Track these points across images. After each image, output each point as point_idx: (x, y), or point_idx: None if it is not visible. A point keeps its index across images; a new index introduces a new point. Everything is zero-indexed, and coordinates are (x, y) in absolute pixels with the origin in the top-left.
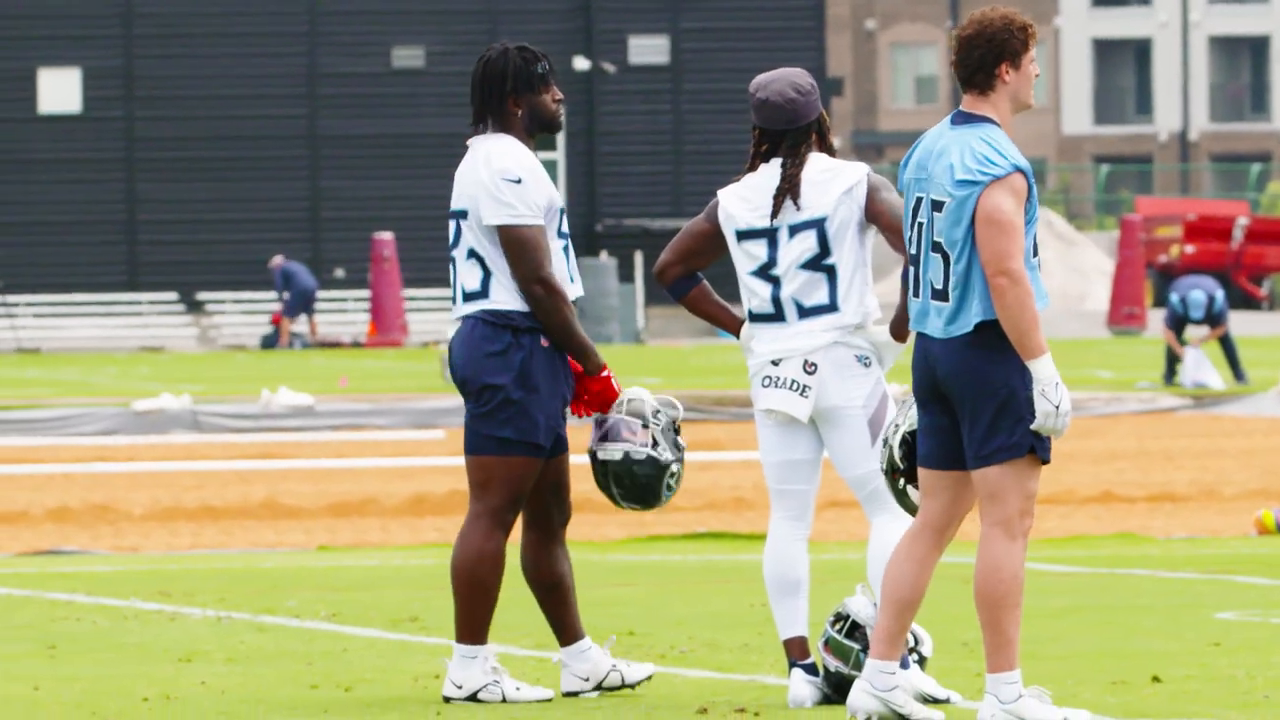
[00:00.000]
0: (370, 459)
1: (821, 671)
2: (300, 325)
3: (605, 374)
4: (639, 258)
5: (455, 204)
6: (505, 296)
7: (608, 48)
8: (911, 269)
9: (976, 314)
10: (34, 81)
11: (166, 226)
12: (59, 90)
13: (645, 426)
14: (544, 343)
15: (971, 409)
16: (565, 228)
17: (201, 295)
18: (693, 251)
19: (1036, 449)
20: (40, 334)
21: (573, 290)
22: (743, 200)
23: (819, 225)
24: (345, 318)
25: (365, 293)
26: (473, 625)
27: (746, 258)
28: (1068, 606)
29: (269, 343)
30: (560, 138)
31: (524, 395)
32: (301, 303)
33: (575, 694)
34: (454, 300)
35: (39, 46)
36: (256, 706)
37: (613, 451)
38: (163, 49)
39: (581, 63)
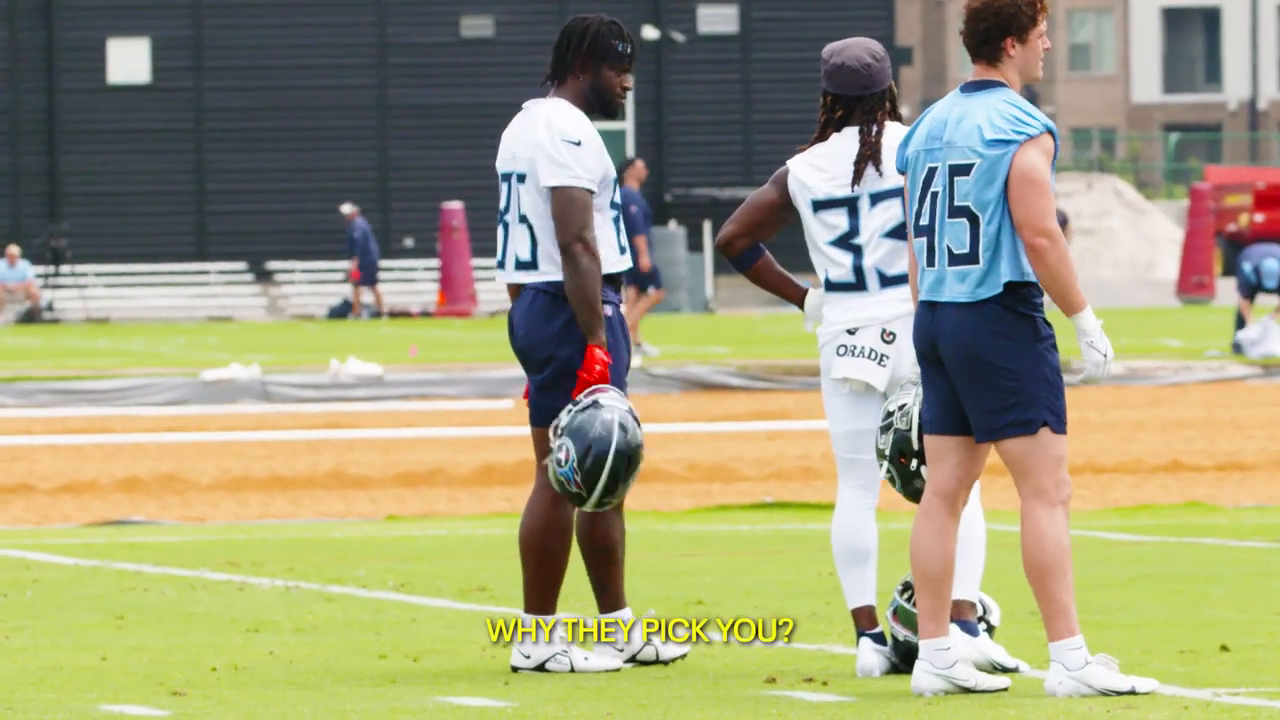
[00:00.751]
0: (439, 429)
1: (890, 641)
2: (367, 295)
3: (603, 354)
4: (707, 227)
5: (509, 166)
6: (555, 266)
7: (677, 17)
8: (923, 240)
9: (1006, 274)
10: (103, 52)
11: (235, 196)
12: (128, 60)
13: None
14: (606, 311)
15: (980, 382)
16: (618, 198)
17: (270, 265)
18: (759, 223)
19: (1050, 424)
20: (109, 304)
21: (623, 262)
22: (818, 170)
23: (902, 194)
24: (414, 287)
25: (434, 262)
26: (541, 595)
27: (824, 228)
28: (1136, 576)
29: (339, 312)
30: (630, 107)
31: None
32: (371, 272)
33: (517, 670)
34: (501, 264)
35: (108, 17)
36: (325, 676)
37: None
38: (231, 19)
39: (650, 32)
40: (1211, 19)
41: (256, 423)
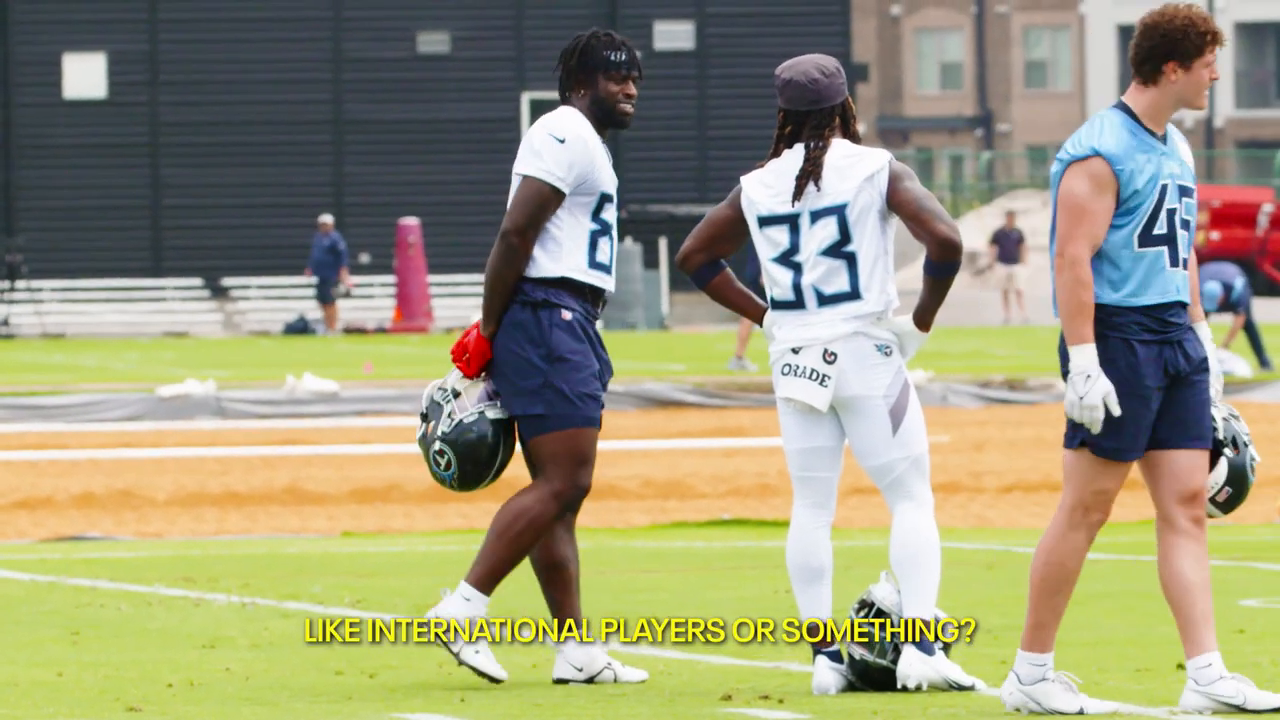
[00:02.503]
0: (394, 445)
1: (846, 659)
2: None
3: (483, 344)
4: (663, 244)
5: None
6: (533, 265)
7: (633, 33)
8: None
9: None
10: (59, 67)
11: (191, 212)
12: (84, 75)
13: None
14: (565, 315)
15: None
16: (608, 216)
17: (226, 281)
18: (715, 238)
19: (1091, 445)
20: (65, 319)
21: (594, 276)
22: (765, 186)
23: (840, 211)
24: (370, 303)
25: (390, 278)
26: (483, 571)
27: (768, 244)
28: (1092, 593)
29: (295, 328)
30: None
31: (550, 368)
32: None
33: (565, 681)
34: None
35: (63, 31)
36: (281, 692)
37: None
38: (187, 34)
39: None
40: None
41: (212, 439)
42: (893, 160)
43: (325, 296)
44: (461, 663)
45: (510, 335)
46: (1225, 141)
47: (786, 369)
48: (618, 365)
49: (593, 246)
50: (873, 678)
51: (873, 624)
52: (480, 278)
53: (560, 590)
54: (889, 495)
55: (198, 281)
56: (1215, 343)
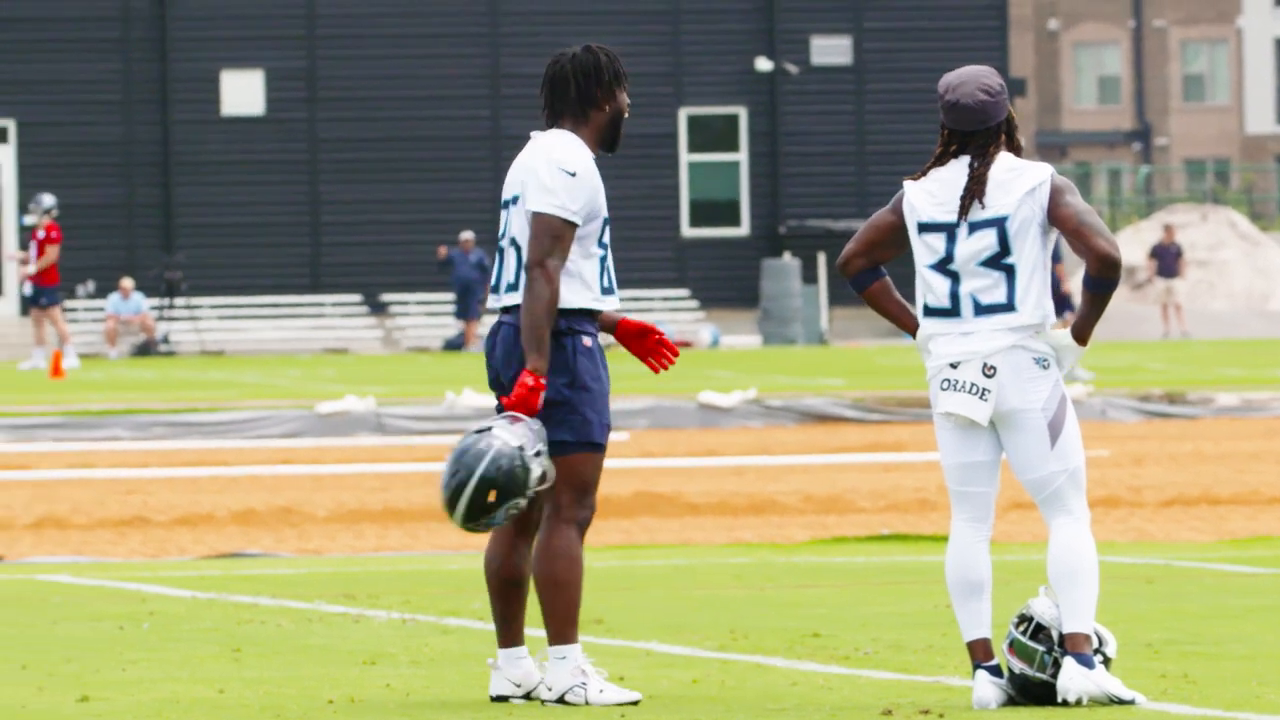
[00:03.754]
0: None
1: (1006, 673)
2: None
3: (540, 383)
4: (822, 259)
5: (507, 192)
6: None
7: (790, 48)
8: None
9: None
10: (217, 84)
11: (349, 228)
12: (242, 92)
13: (540, 454)
14: (586, 342)
15: None
16: (607, 238)
17: (385, 297)
18: (876, 243)
19: None
20: (224, 336)
21: (603, 301)
22: (928, 194)
23: (1000, 224)
24: None
25: None
26: (558, 625)
27: (926, 250)
28: (1251, 607)
29: (453, 345)
30: (743, 139)
31: (574, 395)
32: (461, 298)
33: (505, 698)
34: (495, 289)
35: (222, 48)
36: (440, 710)
37: (511, 436)
38: (345, 50)
39: (764, 63)
40: None
41: (372, 455)
42: (1055, 174)
43: (472, 313)
44: (603, 704)
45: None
46: None
47: (946, 384)
48: (777, 380)
49: (601, 272)
50: (1033, 692)
51: (1033, 642)
52: (640, 292)
53: (513, 606)
54: (1046, 509)
55: (357, 298)
56: None
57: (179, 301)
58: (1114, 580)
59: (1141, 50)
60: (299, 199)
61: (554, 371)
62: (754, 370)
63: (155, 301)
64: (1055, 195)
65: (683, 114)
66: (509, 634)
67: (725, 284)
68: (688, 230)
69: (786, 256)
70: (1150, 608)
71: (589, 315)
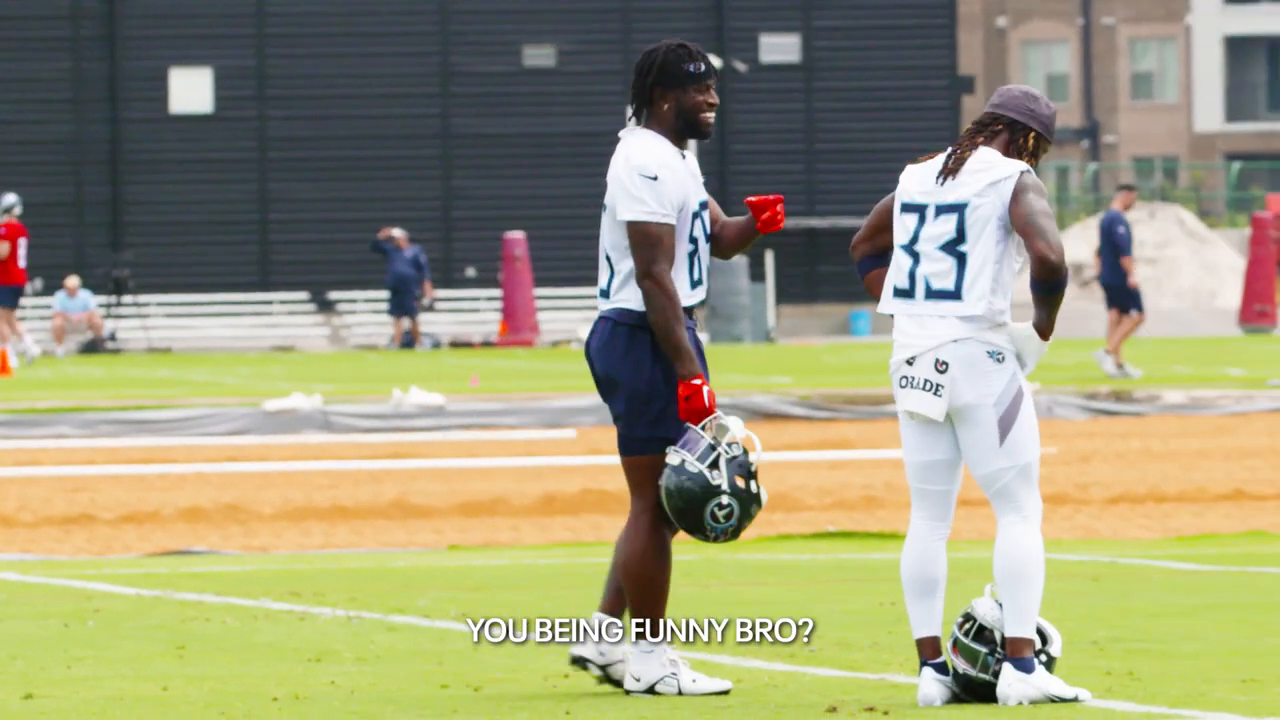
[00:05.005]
0: (501, 458)
1: (951, 671)
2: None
3: (697, 383)
4: (770, 257)
5: (606, 199)
6: (631, 295)
7: (740, 46)
8: None
9: None
10: (166, 82)
11: (298, 226)
12: (191, 90)
13: (713, 449)
14: None
15: None
16: (698, 231)
17: (333, 295)
18: (876, 228)
19: None
20: (172, 334)
21: (693, 296)
22: (917, 176)
23: (960, 210)
24: (477, 317)
25: (496, 292)
26: (647, 620)
27: (902, 230)
28: (1198, 605)
29: (404, 343)
30: None
31: (668, 393)
32: (395, 295)
33: (583, 661)
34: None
35: (171, 46)
36: (386, 706)
37: (672, 458)
38: (294, 48)
39: (713, 61)
40: (1275, 47)
41: (319, 453)
42: (1025, 173)
43: (407, 310)
44: (691, 695)
45: (631, 360)
46: None
47: (904, 381)
48: (725, 378)
49: (691, 267)
50: (977, 691)
51: (976, 643)
52: (585, 290)
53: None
54: (995, 505)
55: (304, 296)
56: None
57: (127, 299)
58: (1060, 578)
59: (1090, 48)
60: (247, 197)
61: (644, 370)
62: None
63: (103, 299)
64: (1018, 192)
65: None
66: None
67: None
68: None
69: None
70: (1096, 605)
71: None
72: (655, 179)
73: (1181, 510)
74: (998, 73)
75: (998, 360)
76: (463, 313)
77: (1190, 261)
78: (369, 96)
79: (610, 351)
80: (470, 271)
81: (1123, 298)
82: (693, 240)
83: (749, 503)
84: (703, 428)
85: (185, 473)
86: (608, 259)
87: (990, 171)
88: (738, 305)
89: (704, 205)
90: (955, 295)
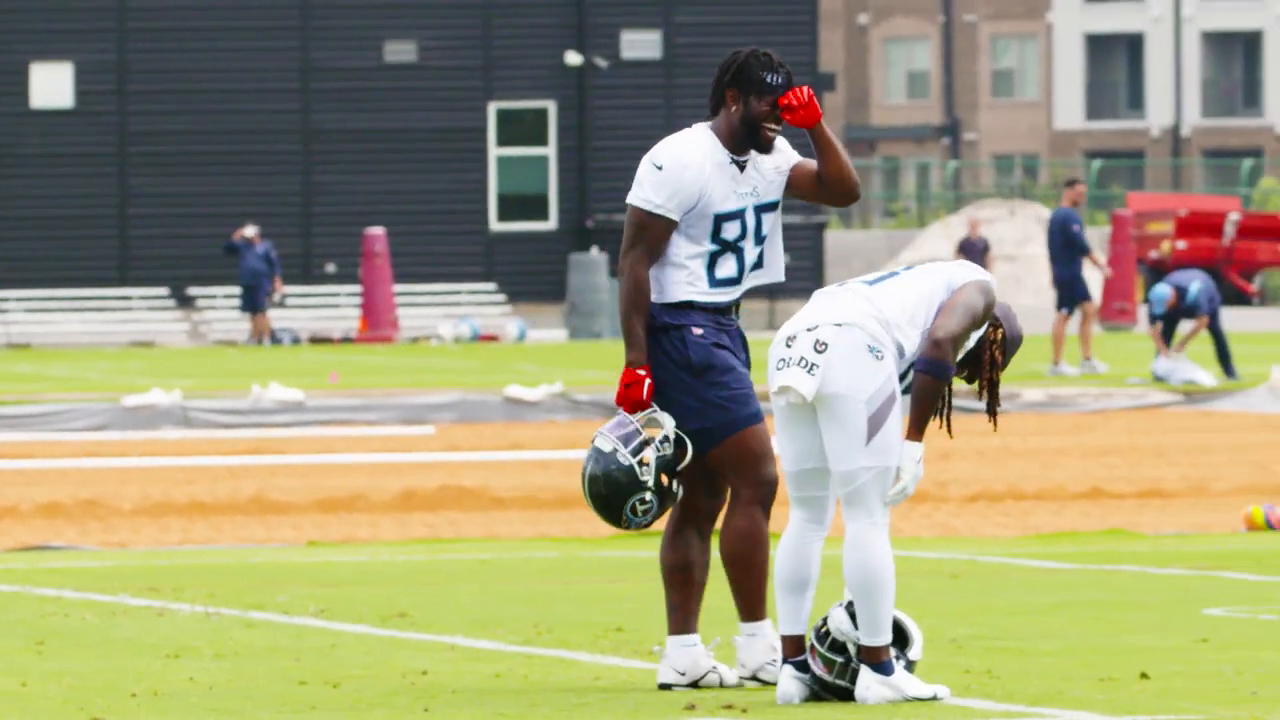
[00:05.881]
0: (360, 454)
1: (811, 671)
2: (272, 319)
3: (641, 373)
4: None
5: None
6: (659, 289)
7: (600, 42)
8: None
9: None
10: (26, 76)
11: (158, 221)
12: (51, 85)
13: (645, 444)
14: (696, 331)
15: None
16: (726, 234)
17: (193, 290)
18: None
19: None
20: (31, 329)
21: (712, 294)
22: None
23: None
24: (336, 313)
25: (356, 288)
26: (746, 602)
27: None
28: (1057, 603)
29: (276, 339)
30: (552, 133)
31: (697, 383)
32: (247, 292)
33: (669, 686)
34: None
35: (31, 40)
36: (245, 702)
37: (603, 443)
38: (155, 43)
39: (574, 57)
40: (1134, 45)
41: (178, 448)
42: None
43: (258, 306)
44: (771, 683)
45: (656, 360)
46: (1192, 150)
47: (780, 363)
48: (584, 374)
49: (711, 266)
50: (836, 692)
51: (832, 654)
52: (447, 286)
53: (680, 593)
54: (847, 506)
55: (164, 291)
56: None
57: None
58: (919, 575)
59: (951, 45)
60: (107, 192)
61: (673, 363)
62: (561, 364)
63: None
64: (967, 285)
65: (492, 108)
66: (676, 620)
67: (533, 278)
68: (496, 224)
69: (594, 251)
70: (955, 603)
71: (697, 308)
72: (660, 169)
73: (1040, 508)
74: (859, 70)
75: (877, 356)
76: (322, 309)
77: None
78: (230, 92)
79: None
80: (330, 267)
81: (1071, 294)
82: (720, 242)
83: (667, 500)
84: (636, 418)
85: (44, 468)
86: None
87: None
88: (597, 302)
89: (763, 208)
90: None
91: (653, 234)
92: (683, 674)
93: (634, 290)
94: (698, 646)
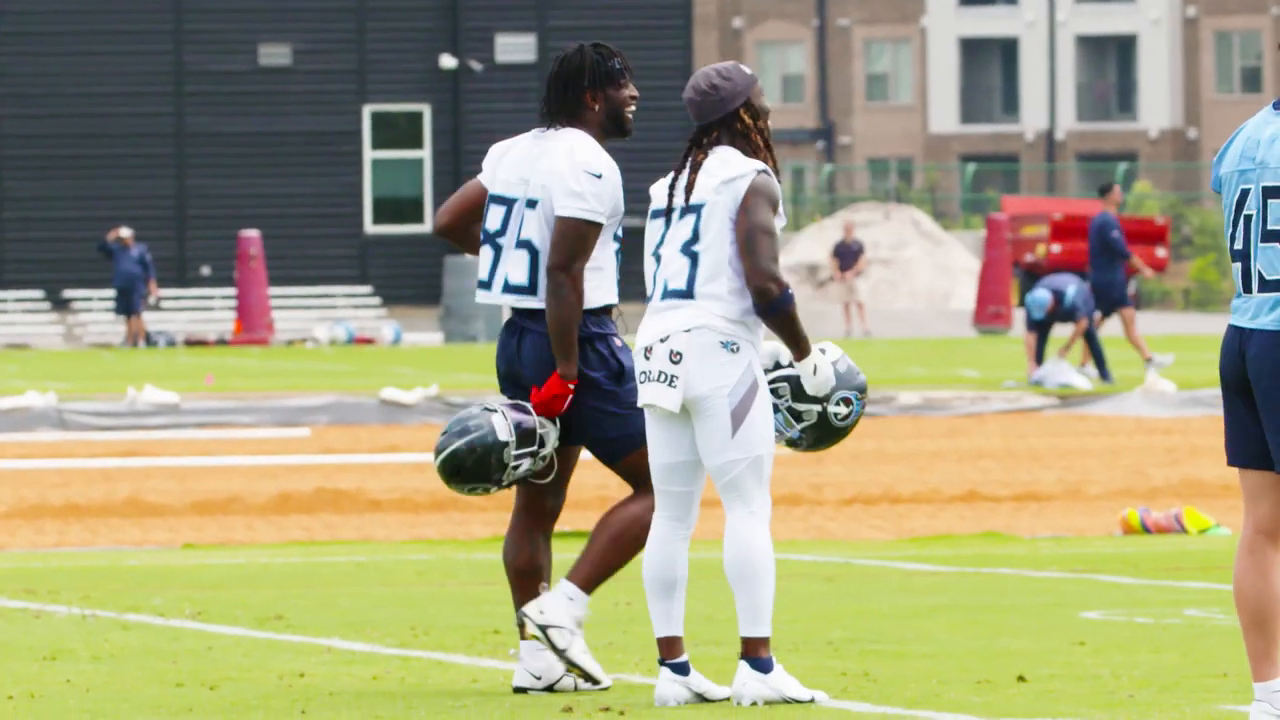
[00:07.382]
0: (235, 457)
1: (689, 673)
2: (146, 322)
3: (570, 388)
4: None
5: (516, 190)
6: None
7: (475, 46)
8: (1238, 265)
9: None
10: None
11: (32, 224)
12: None
13: (529, 456)
14: (616, 341)
15: (1275, 408)
16: (620, 233)
17: (67, 293)
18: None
19: None
20: None
21: (614, 295)
22: (664, 185)
23: (698, 211)
24: (211, 315)
25: (231, 290)
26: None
27: (650, 236)
28: (933, 606)
29: (152, 340)
30: (426, 136)
31: (622, 390)
32: (122, 295)
33: (524, 690)
34: (486, 285)
35: None
36: (121, 704)
37: (500, 429)
38: (26, 46)
39: (448, 61)
40: (1009, 50)
41: (52, 450)
42: (761, 174)
43: (133, 308)
44: (570, 662)
45: (586, 365)
46: (1066, 154)
47: (643, 376)
48: (459, 377)
49: (617, 265)
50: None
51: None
52: (323, 289)
53: (529, 597)
54: (725, 498)
55: (39, 294)
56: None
57: None
58: (795, 578)
59: (825, 49)
60: None
61: (602, 374)
62: (436, 367)
63: None
64: (748, 195)
65: (366, 111)
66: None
67: (408, 281)
68: (371, 227)
69: (469, 255)
70: (831, 606)
71: (609, 311)
72: (600, 177)
73: (915, 511)
74: None
75: (731, 350)
76: (198, 311)
77: (925, 263)
78: (103, 94)
79: (546, 359)
80: (205, 270)
81: (1108, 300)
82: (617, 239)
83: (493, 491)
84: (541, 424)
85: None
86: (529, 251)
87: (726, 170)
88: (472, 305)
89: None
90: (688, 294)
91: (591, 243)
92: (538, 678)
93: (578, 303)
94: (549, 650)
